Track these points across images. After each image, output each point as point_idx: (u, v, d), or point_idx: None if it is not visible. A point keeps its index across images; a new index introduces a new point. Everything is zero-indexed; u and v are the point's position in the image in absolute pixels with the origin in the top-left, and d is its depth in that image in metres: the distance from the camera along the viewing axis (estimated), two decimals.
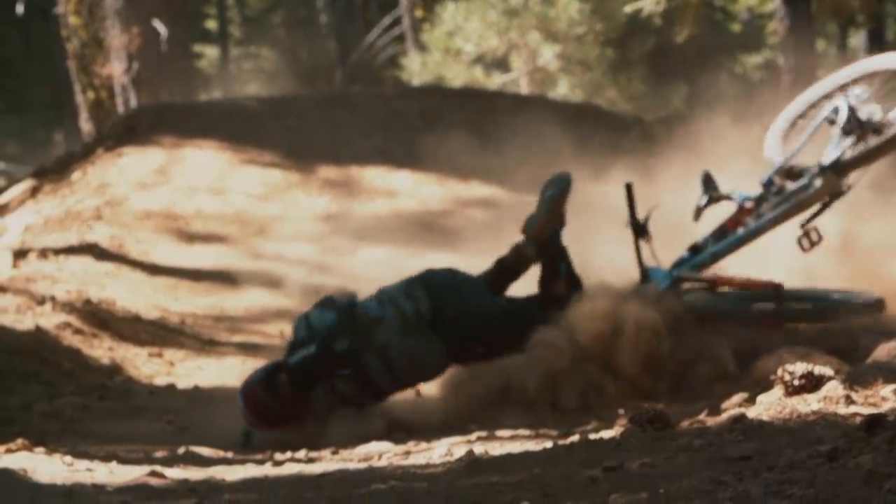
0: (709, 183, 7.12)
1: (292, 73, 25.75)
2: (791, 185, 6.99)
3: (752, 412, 4.62)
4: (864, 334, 6.46)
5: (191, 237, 12.03)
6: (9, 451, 5.18)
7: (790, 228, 7.03)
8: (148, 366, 8.93)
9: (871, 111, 6.91)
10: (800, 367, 4.72)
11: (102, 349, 9.03)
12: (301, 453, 5.77)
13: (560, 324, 6.65)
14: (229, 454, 5.89)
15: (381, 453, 5.61)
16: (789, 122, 7.31)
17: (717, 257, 7.07)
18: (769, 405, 4.67)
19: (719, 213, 7.20)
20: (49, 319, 9.09)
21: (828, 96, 7.19)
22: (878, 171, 7.12)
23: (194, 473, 4.97)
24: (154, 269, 11.14)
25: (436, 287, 6.68)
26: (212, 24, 28.76)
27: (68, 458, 5.14)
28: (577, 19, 20.42)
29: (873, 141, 6.84)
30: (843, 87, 7.12)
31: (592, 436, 5.12)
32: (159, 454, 5.75)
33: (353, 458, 5.57)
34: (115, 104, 16.74)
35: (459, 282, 6.77)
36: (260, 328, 9.95)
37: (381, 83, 23.39)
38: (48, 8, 19.17)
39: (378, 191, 13.01)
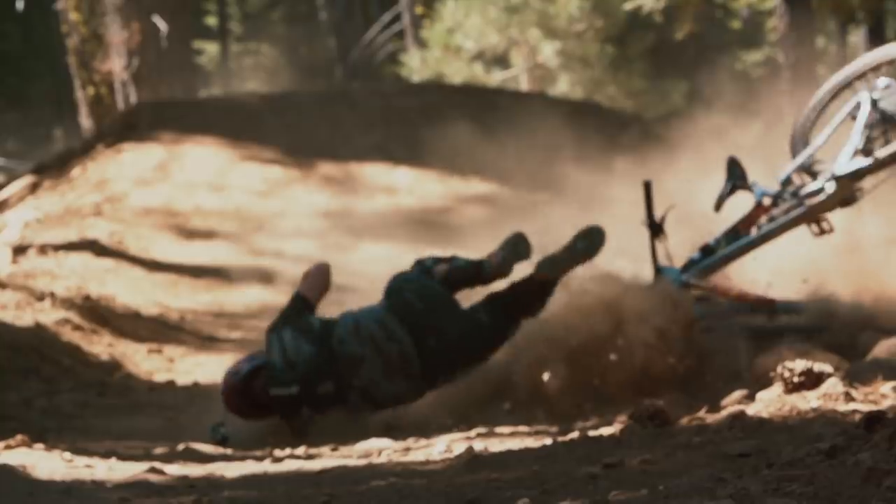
0: (734, 170, 6.85)
1: (292, 70, 25.75)
2: (807, 185, 6.74)
3: (751, 409, 4.63)
4: (864, 332, 6.43)
5: (190, 233, 12.03)
6: (8, 447, 5.18)
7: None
8: (147, 362, 8.92)
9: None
10: (799, 365, 4.72)
11: (102, 345, 9.02)
12: (300, 450, 5.77)
13: (553, 322, 6.59)
14: (229, 451, 5.89)
15: (380, 450, 5.61)
16: (816, 111, 6.92)
17: (728, 260, 6.89)
18: (769, 402, 4.68)
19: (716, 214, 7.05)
20: (48, 316, 9.09)
21: (851, 86, 6.82)
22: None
23: (194, 470, 4.97)
24: (153, 266, 11.15)
25: (414, 321, 6.44)
26: (212, 21, 28.75)
27: (68, 455, 5.14)
28: (577, 16, 20.43)
29: (891, 147, 6.50)
30: (866, 75, 6.73)
31: (592, 433, 5.12)
32: (159, 450, 5.75)
33: (353, 455, 5.57)
34: (115, 100, 16.73)
35: (434, 304, 6.51)
36: (259, 324, 9.92)
37: (381, 80, 23.38)
38: (48, 4, 19.16)
39: (378, 187, 13.02)
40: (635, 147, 11.63)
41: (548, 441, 5.17)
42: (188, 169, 13.12)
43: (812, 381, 4.68)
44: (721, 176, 6.98)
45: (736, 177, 6.85)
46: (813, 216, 6.74)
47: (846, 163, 6.60)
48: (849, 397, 4.54)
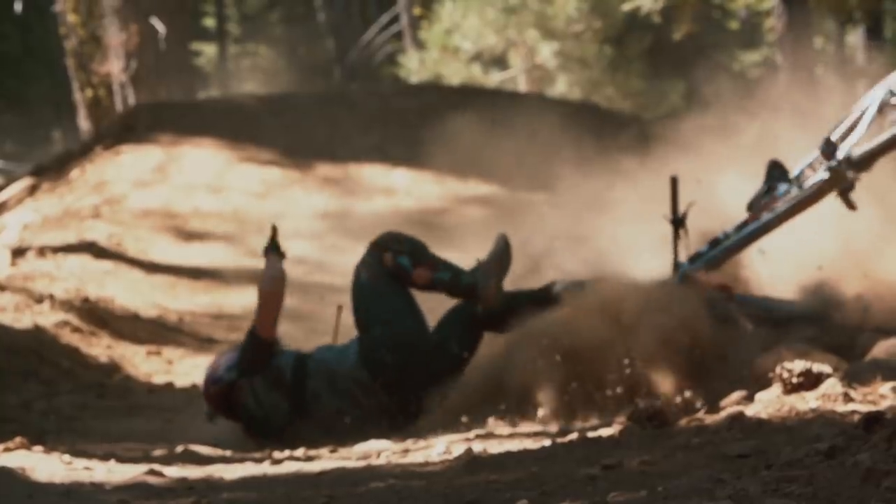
0: (773, 172, 6.75)
1: (290, 71, 25.77)
2: (811, 177, 6.68)
3: (750, 410, 4.63)
4: (863, 332, 6.42)
5: (189, 235, 12.04)
6: (7, 449, 5.18)
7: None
8: (146, 364, 8.93)
9: None
10: (798, 365, 4.72)
11: (101, 347, 9.03)
12: (299, 452, 5.77)
13: (550, 320, 6.56)
14: (228, 452, 5.89)
15: (379, 451, 5.61)
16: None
17: (729, 253, 6.90)
18: (767, 403, 4.68)
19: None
20: (47, 318, 9.09)
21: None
22: (877, 172, 6.97)
23: (193, 472, 4.97)
24: (152, 268, 11.15)
25: (387, 378, 6.40)
26: (210, 22, 28.76)
27: (66, 457, 5.14)
28: (576, 17, 20.45)
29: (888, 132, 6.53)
30: None
31: (591, 434, 5.12)
32: (158, 452, 5.75)
33: (352, 457, 5.56)
34: (114, 102, 16.74)
35: (405, 357, 6.45)
36: None
37: (380, 81, 23.40)
38: (46, 6, 19.16)
39: (376, 189, 13.02)
40: (634, 148, 11.62)
41: (546, 442, 5.17)
42: (187, 170, 13.12)
43: (811, 381, 4.68)
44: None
45: (774, 178, 6.83)
46: (808, 205, 6.73)
47: (846, 147, 6.62)
48: (848, 398, 4.54)
